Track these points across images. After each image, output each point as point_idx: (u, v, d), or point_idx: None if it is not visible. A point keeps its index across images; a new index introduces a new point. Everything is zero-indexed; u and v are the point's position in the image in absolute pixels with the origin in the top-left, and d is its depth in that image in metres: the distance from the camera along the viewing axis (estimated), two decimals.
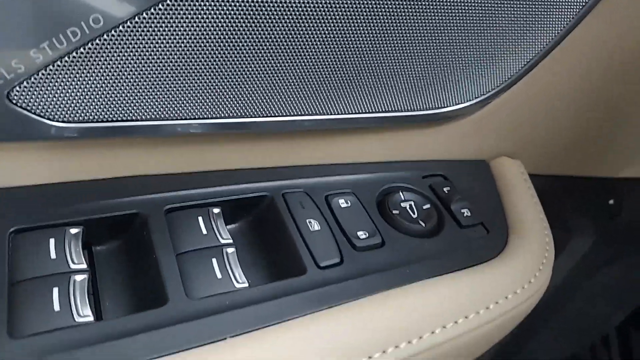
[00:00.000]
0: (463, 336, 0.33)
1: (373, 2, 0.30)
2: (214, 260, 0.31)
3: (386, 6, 0.31)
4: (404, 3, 0.31)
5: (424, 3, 0.32)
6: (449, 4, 0.33)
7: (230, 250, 0.32)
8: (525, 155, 0.50)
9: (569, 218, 0.60)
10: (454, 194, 0.42)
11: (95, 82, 0.27)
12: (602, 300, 0.75)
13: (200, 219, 0.33)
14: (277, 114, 0.34)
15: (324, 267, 0.33)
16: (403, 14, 0.32)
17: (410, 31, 0.33)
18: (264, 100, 0.33)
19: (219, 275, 0.31)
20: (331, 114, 0.36)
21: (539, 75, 0.42)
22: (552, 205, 0.54)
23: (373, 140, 0.42)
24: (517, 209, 0.42)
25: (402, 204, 0.40)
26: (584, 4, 0.38)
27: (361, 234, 0.36)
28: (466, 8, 0.34)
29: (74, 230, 0.30)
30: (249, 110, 0.33)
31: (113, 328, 0.26)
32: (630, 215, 0.60)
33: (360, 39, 0.32)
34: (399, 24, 0.32)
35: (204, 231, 0.33)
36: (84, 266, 0.29)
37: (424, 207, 0.40)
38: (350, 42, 0.32)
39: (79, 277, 0.28)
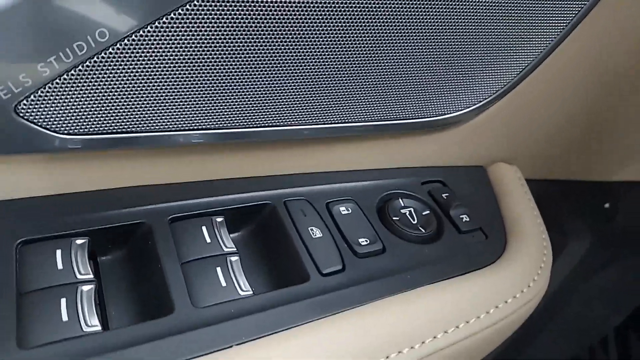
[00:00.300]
0: (464, 340, 0.34)
1: (370, 16, 0.31)
2: (219, 269, 0.32)
3: (383, 19, 0.32)
4: (401, 16, 0.32)
5: (420, 15, 0.33)
6: (444, 14, 0.33)
7: (234, 258, 0.33)
8: (521, 161, 0.50)
9: (565, 222, 0.61)
10: (453, 199, 0.42)
11: (99, 94, 0.27)
12: (600, 303, 0.76)
13: (204, 228, 0.34)
14: (277, 124, 0.34)
15: (326, 274, 0.33)
16: (399, 25, 0.32)
17: (408, 42, 0.34)
18: (265, 110, 0.33)
19: (223, 284, 0.31)
20: (330, 123, 0.37)
21: (533, 83, 0.42)
22: (549, 210, 0.55)
23: (372, 147, 0.42)
24: (515, 213, 0.43)
25: (402, 210, 0.40)
26: (577, 11, 0.38)
27: (362, 241, 0.36)
28: (462, 18, 0.34)
29: (79, 241, 0.30)
30: (250, 120, 0.33)
31: (120, 337, 0.27)
32: (626, 218, 0.61)
33: (358, 50, 0.33)
34: (395, 36, 0.33)
35: (208, 240, 0.33)
36: (91, 276, 0.29)
37: (424, 213, 0.41)
38: (348, 53, 0.32)
39: (85, 287, 0.28)
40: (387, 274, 0.35)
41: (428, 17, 0.33)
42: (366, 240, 0.36)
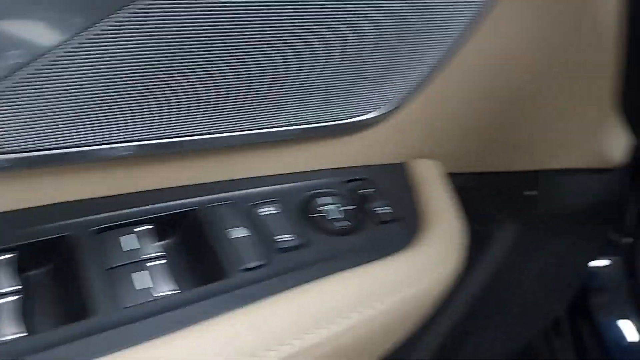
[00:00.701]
0: (378, 319, 0.36)
1: (279, 29, 0.34)
2: (143, 273, 0.34)
3: (291, 28, 0.34)
4: (309, 23, 0.35)
5: (330, 21, 0.35)
6: (352, 18, 0.36)
7: (159, 262, 0.35)
8: (443, 156, 0.54)
9: (494, 212, 0.65)
10: (374, 194, 0.45)
11: (22, 113, 0.29)
12: (545, 288, 0.79)
13: (130, 236, 0.35)
14: (202, 133, 0.37)
15: (246, 270, 0.36)
16: (308, 31, 0.35)
17: (318, 47, 0.37)
18: (187, 121, 0.35)
19: (147, 286, 0.33)
20: (255, 129, 0.39)
21: (445, 80, 0.46)
22: (477, 201, 0.58)
23: (297, 151, 0.45)
24: (431, 204, 0.46)
25: (325, 207, 0.43)
26: (480, 5, 0.42)
27: (285, 237, 0.39)
28: (368, 20, 0.37)
29: (4, 257, 0.32)
30: (175, 131, 0.36)
31: (38, 341, 0.28)
32: (554, 204, 0.66)
33: (276, 55, 0.35)
34: (307, 41, 0.36)
35: (134, 247, 0.35)
36: (14, 289, 0.31)
37: (346, 208, 0.44)
38: (267, 59, 0.35)
39: (7, 300, 0.30)
40: (308, 265, 0.37)
41: (337, 20, 0.36)
42: (289, 237, 0.39)
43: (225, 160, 0.42)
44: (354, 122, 0.45)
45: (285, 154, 0.44)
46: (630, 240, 0.90)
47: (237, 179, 0.42)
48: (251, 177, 0.43)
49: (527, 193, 0.62)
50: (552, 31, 0.50)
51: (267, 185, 0.43)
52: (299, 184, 0.44)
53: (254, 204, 0.41)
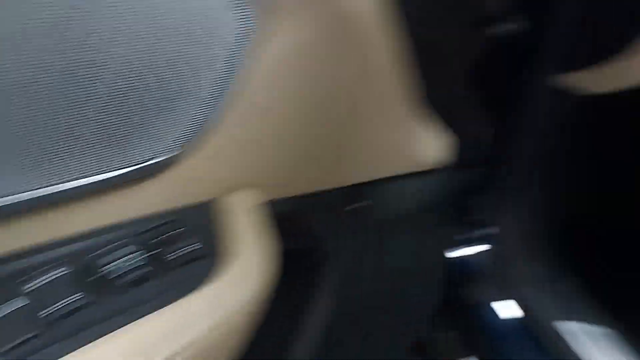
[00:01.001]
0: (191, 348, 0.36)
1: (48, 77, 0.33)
2: None
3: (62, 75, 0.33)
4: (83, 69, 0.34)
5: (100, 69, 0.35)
6: (121, 65, 0.36)
7: None
8: (262, 185, 0.54)
9: (329, 228, 0.67)
10: (180, 236, 0.45)
11: None
12: (411, 285, 0.83)
13: None
14: None
15: (17, 346, 0.33)
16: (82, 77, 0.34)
17: (94, 93, 0.36)
18: None
19: None
20: (31, 190, 0.37)
21: (243, 108, 0.46)
22: (310, 221, 0.60)
23: (93, 206, 0.43)
24: (238, 235, 0.47)
25: (116, 263, 0.41)
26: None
27: (65, 303, 0.37)
28: (136, 64, 0.37)
29: None
30: None
31: None
32: (382, 212, 0.70)
33: (43, 108, 0.34)
34: (81, 88, 0.35)
35: None
36: None
37: (141, 257, 0.42)
38: (36, 111, 0.33)
39: None
40: (92, 325, 0.36)
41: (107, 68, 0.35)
42: (71, 301, 0.37)
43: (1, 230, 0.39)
44: (149, 165, 0.44)
45: (77, 211, 0.42)
46: (495, 230, 0.98)
47: (15, 252, 0.40)
48: (29, 248, 0.40)
49: (360, 205, 0.65)
50: (332, 47, 0.52)
51: (49, 251, 0.40)
52: (90, 241, 0.42)
53: (29, 276, 0.38)
